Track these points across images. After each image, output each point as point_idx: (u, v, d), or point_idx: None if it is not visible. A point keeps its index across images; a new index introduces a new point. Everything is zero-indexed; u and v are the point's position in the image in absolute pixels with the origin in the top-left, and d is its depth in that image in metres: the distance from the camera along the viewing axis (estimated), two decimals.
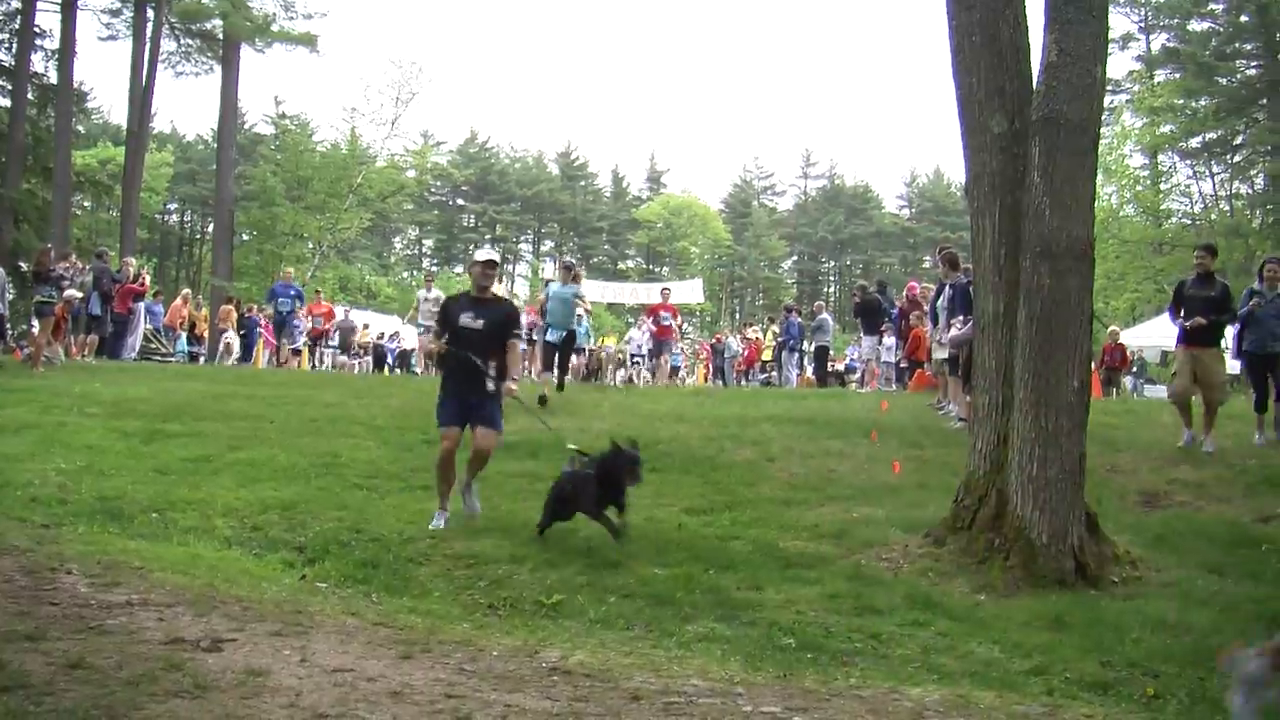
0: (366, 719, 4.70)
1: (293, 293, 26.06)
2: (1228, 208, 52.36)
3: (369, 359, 35.81)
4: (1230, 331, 13.80)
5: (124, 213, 41.62)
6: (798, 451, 12.86)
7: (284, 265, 31.80)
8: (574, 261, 18.26)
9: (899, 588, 7.80)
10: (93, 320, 22.36)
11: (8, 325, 19.54)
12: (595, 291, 41.44)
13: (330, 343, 32.28)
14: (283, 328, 26.45)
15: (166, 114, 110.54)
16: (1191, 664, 6.19)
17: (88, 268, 22.54)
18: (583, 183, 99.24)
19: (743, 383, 31.47)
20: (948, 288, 15.13)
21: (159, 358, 27.34)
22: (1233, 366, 14.67)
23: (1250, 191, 53.49)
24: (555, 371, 17.01)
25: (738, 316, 76.32)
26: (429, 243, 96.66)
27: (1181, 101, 48.52)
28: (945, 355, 15.60)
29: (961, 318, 14.05)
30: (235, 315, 29.64)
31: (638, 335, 33.17)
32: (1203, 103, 48.44)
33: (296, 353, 28.63)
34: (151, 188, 65.77)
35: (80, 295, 21.35)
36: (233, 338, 26.95)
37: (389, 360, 36.17)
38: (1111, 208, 44.29)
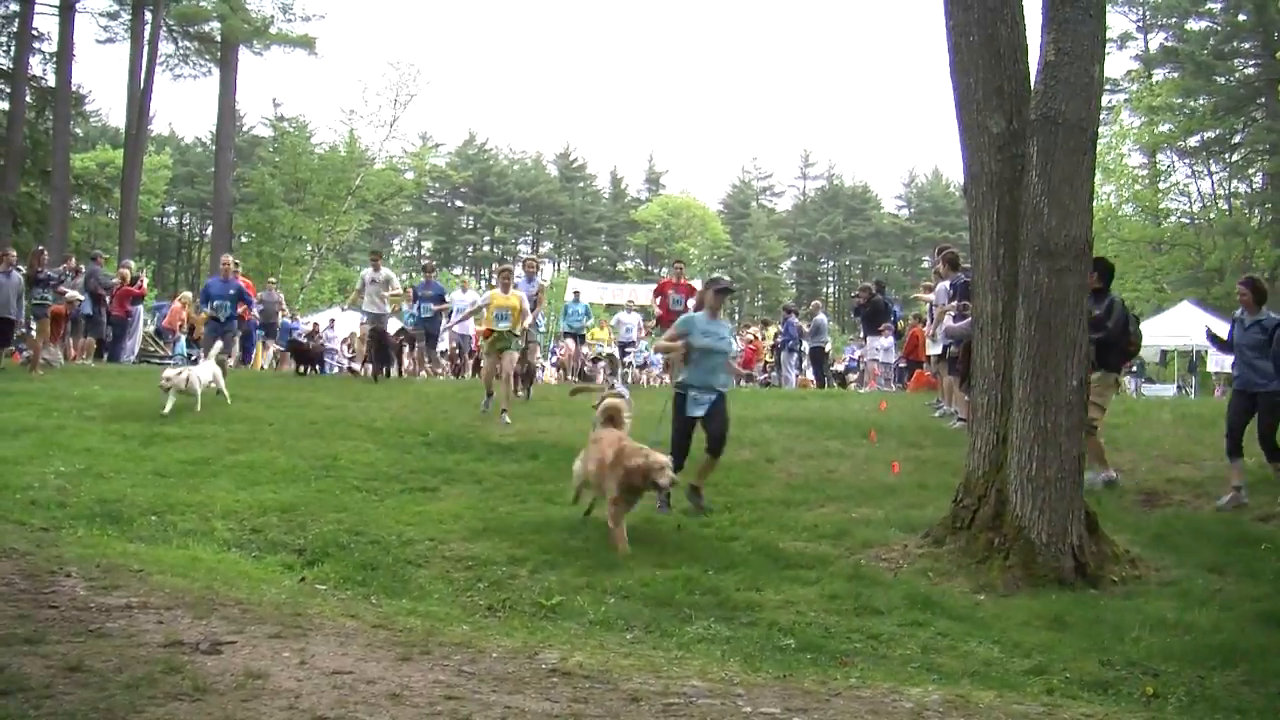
0: None
1: (232, 291, 19.16)
2: (1226, 206, 52.39)
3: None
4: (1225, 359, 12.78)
5: (122, 215, 41.70)
6: (797, 452, 12.86)
7: (224, 255, 23.98)
8: (730, 281, 13.05)
9: (898, 588, 7.80)
10: (87, 322, 22.31)
11: (17, 329, 19.54)
12: (594, 293, 40.38)
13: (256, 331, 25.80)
14: (228, 341, 19.52)
15: (165, 117, 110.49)
16: (1191, 663, 6.19)
17: (84, 270, 22.55)
18: (581, 184, 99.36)
19: (741, 383, 31.38)
20: (947, 285, 15.12)
21: (158, 360, 27.32)
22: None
23: (1249, 190, 53.56)
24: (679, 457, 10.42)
25: (737, 317, 76.33)
26: (428, 244, 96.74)
27: (1180, 100, 48.59)
28: (939, 350, 15.60)
29: (957, 304, 14.05)
30: None
31: (629, 319, 27.43)
32: (1201, 101, 48.50)
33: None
34: (150, 190, 65.89)
35: (81, 297, 21.38)
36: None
37: (333, 362, 30.00)
38: (1110, 207, 44.37)
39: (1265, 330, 10.66)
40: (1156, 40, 54.24)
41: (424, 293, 23.03)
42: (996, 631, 6.87)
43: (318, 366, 25.37)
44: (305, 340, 25.68)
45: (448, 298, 23.56)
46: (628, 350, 27.30)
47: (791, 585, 7.90)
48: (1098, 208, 19.33)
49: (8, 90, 38.35)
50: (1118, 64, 52.97)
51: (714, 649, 6.48)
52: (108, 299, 23.08)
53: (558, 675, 5.58)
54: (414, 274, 53.54)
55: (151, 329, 30.04)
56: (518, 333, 15.69)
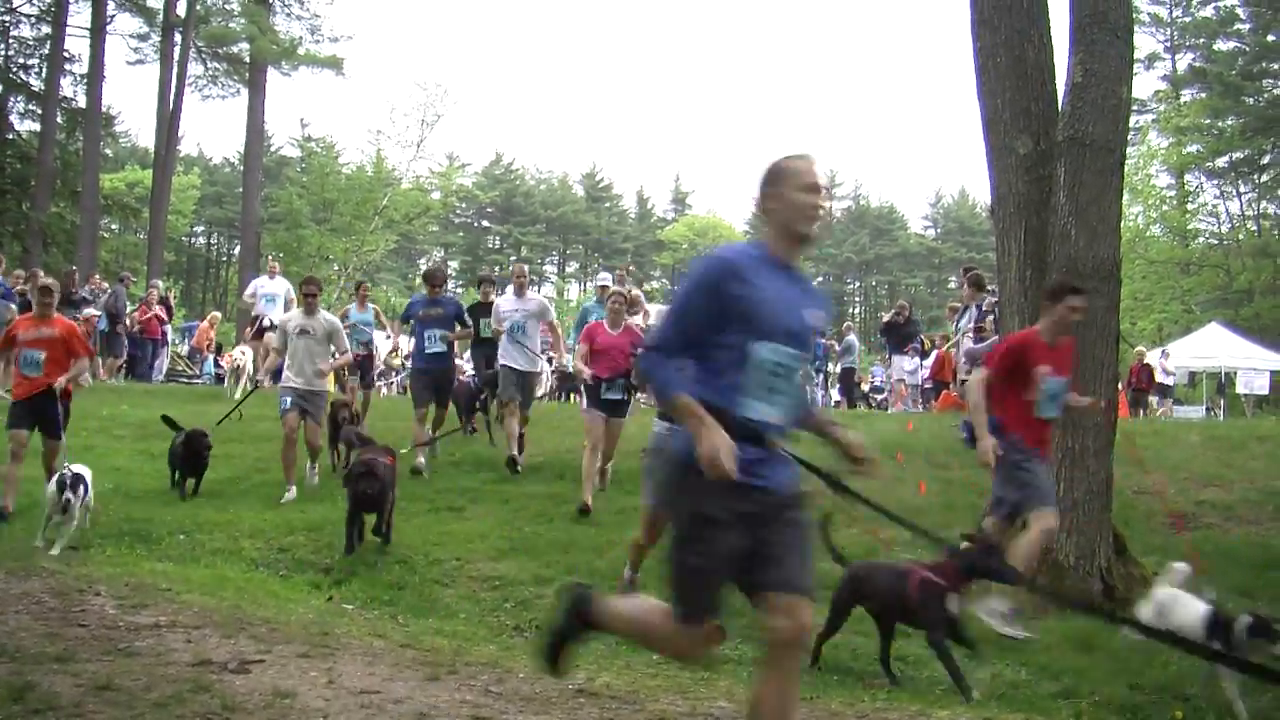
0: None
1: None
2: (1255, 227, 52.10)
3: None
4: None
5: (151, 235, 41.95)
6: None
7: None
8: None
9: None
10: (105, 340, 22.27)
11: None
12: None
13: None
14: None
15: (194, 137, 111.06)
16: (1220, 687, 6.15)
17: (111, 289, 22.75)
18: (607, 204, 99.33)
19: None
20: (973, 308, 15.07)
21: (185, 380, 27.46)
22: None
23: (1278, 211, 53.23)
24: None
25: None
26: (454, 264, 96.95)
27: (1208, 121, 48.34)
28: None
29: (973, 326, 14.05)
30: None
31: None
32: (1229, 122, 48.25)
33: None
34: (179, 210, 66.11)
35: (97, 313, 21.52)
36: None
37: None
38: (1138, 228, 44.12)
39: None
40: (1184, 61, 53.94)
41: (426, 313, 13.48)
42: (1024, 654, 6.84)
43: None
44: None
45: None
46: None
47: (818, 607, 7.87)
48: (1125, 229, 19.21)
49: (39, 111, 38.71)
50: (1145, 85, 52.65)
51: (741, 670, 6.47)
52: (126, 321, 23.11)
53: (584, 695, 5.59)
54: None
55: (183, 349, 30.26)
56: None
